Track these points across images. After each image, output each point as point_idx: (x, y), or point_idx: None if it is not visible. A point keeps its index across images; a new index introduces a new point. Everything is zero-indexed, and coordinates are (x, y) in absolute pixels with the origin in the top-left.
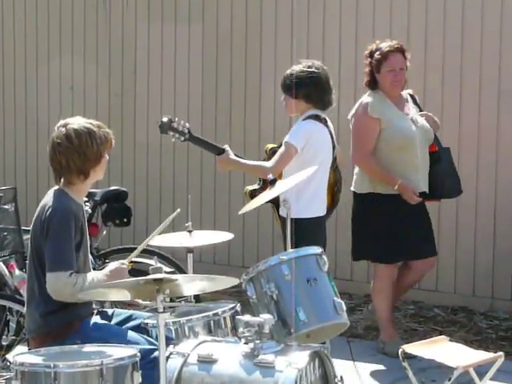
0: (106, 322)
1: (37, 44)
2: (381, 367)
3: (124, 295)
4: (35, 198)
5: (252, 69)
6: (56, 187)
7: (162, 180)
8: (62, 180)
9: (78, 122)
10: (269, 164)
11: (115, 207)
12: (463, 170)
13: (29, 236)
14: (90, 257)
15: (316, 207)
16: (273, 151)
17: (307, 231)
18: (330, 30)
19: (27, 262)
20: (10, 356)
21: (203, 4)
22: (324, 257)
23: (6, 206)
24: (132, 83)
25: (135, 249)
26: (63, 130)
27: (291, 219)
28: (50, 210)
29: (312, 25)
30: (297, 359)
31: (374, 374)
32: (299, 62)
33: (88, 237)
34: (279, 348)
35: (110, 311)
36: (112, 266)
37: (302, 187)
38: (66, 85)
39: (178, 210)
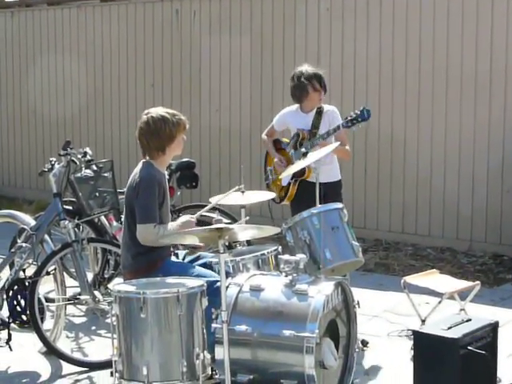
0: (180, 261)
1: (129, 51)
2: (387, 294)
3: (194, 240)
4: (127, 168)
5: (288, 66)
6: (144, 160)
7: (220, 154)
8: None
9: (156, 111)
10: (347, 146)
11: (186, 174)
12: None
13: (123, 196)
14: None
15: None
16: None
17: (340, 189)
18: (351, 42)
19: (122, 216)
20: (110, 285)
21: (251, 19)
22: (345, 210)
23: (105, 174)
24: (197, 81)
25: (201, 206)
26: (145, 117)
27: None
28: (139, 177)
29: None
30: (324, 288)
31: (381, 299)
32: (302, 65)
33: (169, 197)
34: (311, 279)
35: (183, 253)
36: (183, 218)
37: (333, 158)
38: (149, 83)
39: (238, 187)
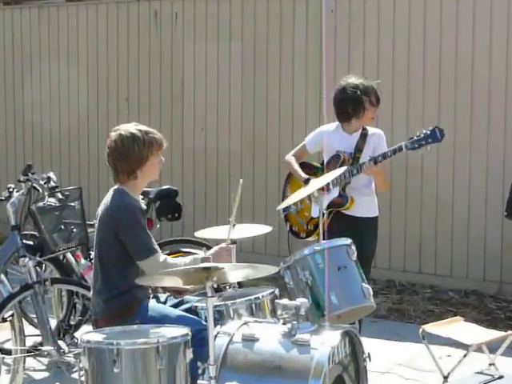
0: (161, 305)
1: (97, 61)
2: (402, 345)
3: (176, 282)
4: (97, 196)
5: (285, 77)
6: (115, 186)
7: (206, 180)
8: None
9: (126, 128)
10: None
11: (167, 203)
12: (474, 165)
13: (93, 230)
14: None
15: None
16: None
17: (377, 227)
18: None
19: (92, 252)
20: (77, 334)
21: (242, 24)
22: (353, 247)
23: (72, 204)
24: (180, 95)
25: (185, 241)
26: (113, 135)
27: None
28: (116, 207)
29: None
30: (330, 338)
31: (395, 351)
32: (348, 77)
33: None
34: (314, 328)
35: (163, 296)
36: (212, 250)
37: (371, 188)
38: (123, 97)
39: (241, 180)
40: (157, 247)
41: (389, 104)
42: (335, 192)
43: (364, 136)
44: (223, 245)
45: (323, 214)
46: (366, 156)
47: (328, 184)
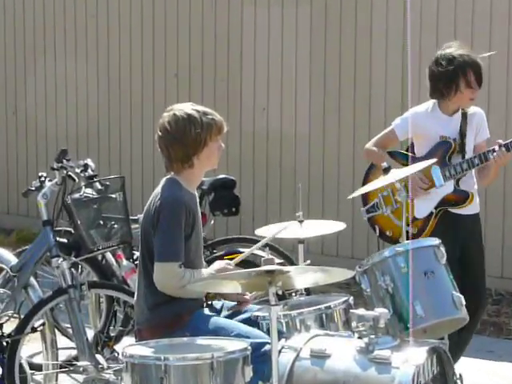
0: (215, 314)
1: (142, 31)
2: (500, 365)
3: (234, 287)
4: (140, 188)
5: (362, 51)
6: (168, 176)
7: (268, 168)
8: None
9: (182, 108)
10: None
11: (223, 196)
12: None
13: (138, 226)
14: None
15: None
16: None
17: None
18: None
19: (138, 252)
20: (118, 347)
21: None
22: (442, 248)
23: (113, 195)
24: (238, 70)
25: (243, 239)
26: (165, 116)
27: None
28: (160, 200)
29: None
30: (414, 355)
31: (492, 372)
32: (449, 46)
33: (201, 227)
34: (395, 343)
35: (219, 304)
36: (218, 265)
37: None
38: (171, 72)
39: (287, 224)
40: (179, 256)
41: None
42: (449, 187)
43: (465, 117)
44: (226, 263)
45: (407, 207)
46: (470, 141)
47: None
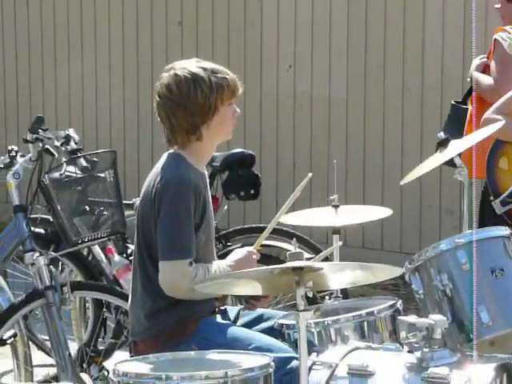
0: (229, 322)
1: None
2: None
3: (253, 288)
4: (136, 165)
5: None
6: (171, 150)
7: (295, 141)
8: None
9: (184, 65)
10: None
11: (240, 175)
12: None
13: (133, 212)
14: None
15: None
16: None
17: None
18: None
19: (131, 245)
20: (108, 364)
21: None
22: None
23: (102, 175)
24: (257, 17)
25: (264, 229)
26: (165, 77)
27: None
28: (162, 180)
29: None
30: (479, 374)
31: None
32: None
33: (212, 214)
34: (455, 359)
35: (234, 309)
36: (238, 254)
37: None
38: (174, 19)
39: (310, 174)
40: (190, 252)
41: None
42: None
43: None
44: (250, 249)
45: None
46: None
47: None
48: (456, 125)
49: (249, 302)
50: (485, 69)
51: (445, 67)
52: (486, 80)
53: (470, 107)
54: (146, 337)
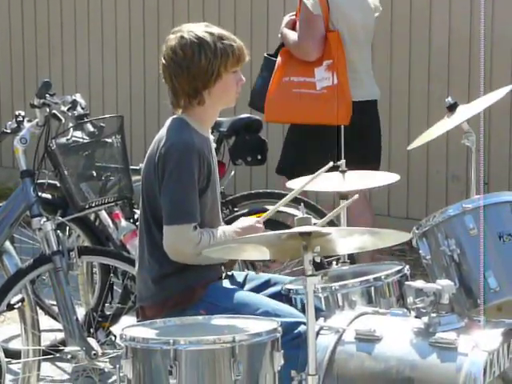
0: (237, 287)
1: None
2: None
3: (261, 253)
4: (143, 130)
5: None
6: (175, 115)
7: None
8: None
9: (191, 29)
10: None
11: (246, 140)
12: None
13: (139, 178)
14: None
15: None
16: None
17: None
18: None
19: (138, 211)
20: (116, 329)
21: None
22: None
23: (109, 140)
24: None
25: (270, 194)
26: (171, 39)
27: None
28: (166, 145)
29: None
30: (486, 339)
31: None
32: None
33: (218, 178)
34: (462, 324)
35: (242, 275)
36: (244, 221)
37: None
38: None
39: (331, 163)
40: (194, 216)
41: None
42: None
43: None
44: (254, 220)
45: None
46: None
47: None
48: (268, 74)
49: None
50: (294, 26)
51: (452, 31)
52: (292, 36)
53: (278, 59)
54: (154, 302)
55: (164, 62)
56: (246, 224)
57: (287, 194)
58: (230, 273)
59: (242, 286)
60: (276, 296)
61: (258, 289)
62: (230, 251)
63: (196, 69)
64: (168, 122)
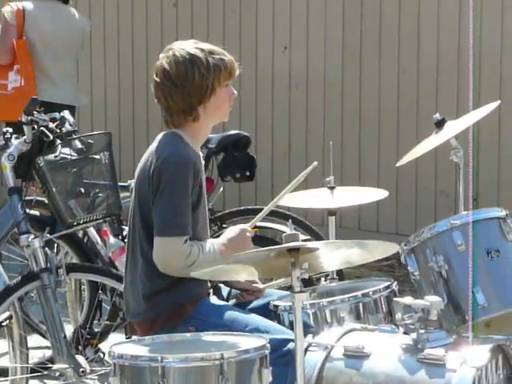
0: (226, 303)
1: None
2: None
3: (249, 273)
4: (131, 148)
5: None
6: (168, 131)
7: (291, 122)
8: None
9: (182, 46)
10: None
11: (235, 157)
12: None
13: (128, 194)
14: None
15: None
16: None
17: None
18: None
19: (127, 227)
20: (104, 346)
21: None
22: (509, 221)
23: (97, 157)
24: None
25: (259, 210)
26: (163, 57)
27: None
28: (161, 157)
29: None
30: (474, 355)
31: None
32: None
33: (205, 195)
34: (450, 340)
35: (225, 290)
36: (231, 232)
37: None
38: (169, 0)
39: (315, 163)
40: (186, 229)
41: None
42: None
43: None
44: (243, 226)
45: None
46: None
47: None
48: None
49: (241, 294)
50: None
51: (440, 48)
52: None
53: None
54: (145, 318)
55: (157, 80)
56: (234, 235)
57: (277, 211)
58: (217, 285)
59: (227, 299)
60: (262, 309)
61: (245, 303)
62: (218, 273)
63: (191, 85)
64: (160, 136)
